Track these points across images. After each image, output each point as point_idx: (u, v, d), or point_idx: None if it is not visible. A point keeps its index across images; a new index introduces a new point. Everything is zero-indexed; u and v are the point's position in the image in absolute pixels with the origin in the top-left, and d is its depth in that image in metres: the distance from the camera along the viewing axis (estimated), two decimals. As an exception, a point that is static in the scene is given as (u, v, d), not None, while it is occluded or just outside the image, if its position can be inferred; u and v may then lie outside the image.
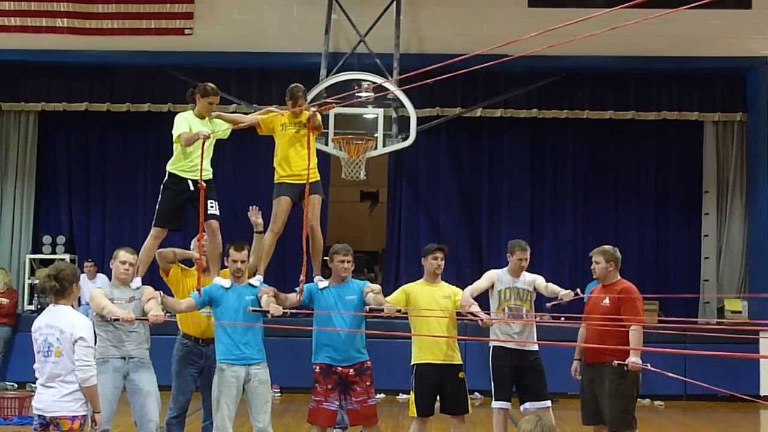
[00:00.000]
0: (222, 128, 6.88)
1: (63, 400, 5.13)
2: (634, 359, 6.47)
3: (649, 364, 6.48)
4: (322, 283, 6.71)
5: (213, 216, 6.72)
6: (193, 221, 6.68)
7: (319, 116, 6.81)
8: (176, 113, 6.91)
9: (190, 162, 6.63)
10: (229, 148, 11.39)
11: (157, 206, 6.81)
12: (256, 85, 13.20)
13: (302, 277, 6.67)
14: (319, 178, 6.88)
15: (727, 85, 13.11)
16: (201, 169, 6.48)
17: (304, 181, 6.65)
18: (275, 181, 6.86)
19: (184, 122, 6.67)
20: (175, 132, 6.65)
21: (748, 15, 12.51)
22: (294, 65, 12.42)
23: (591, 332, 6.89)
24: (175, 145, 6.72)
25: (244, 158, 12.95)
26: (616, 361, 6.48)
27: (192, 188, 6.63)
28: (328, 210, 12.43)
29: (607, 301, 6.76)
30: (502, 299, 7.32)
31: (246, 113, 7.37)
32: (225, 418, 6.31)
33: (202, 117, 6.80)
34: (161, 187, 6.83)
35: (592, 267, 6.96)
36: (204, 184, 6.47)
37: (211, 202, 6.72)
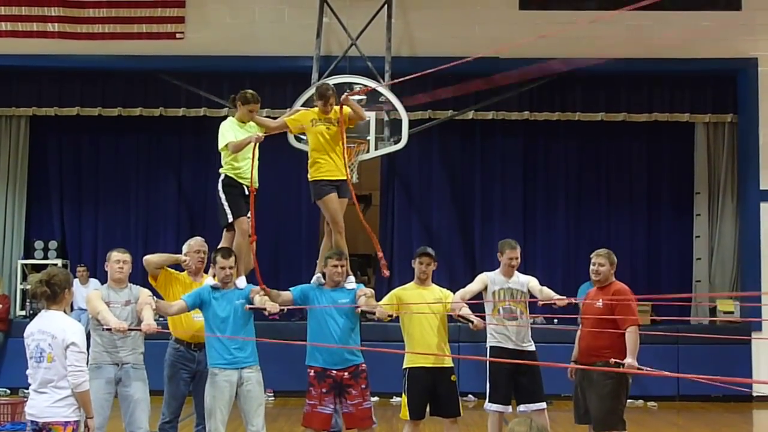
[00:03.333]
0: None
1: (55, 405, 5.11)
2: (630, 360, 6.47)
3: (644, 368, 6.49)
4: (320, 281, 6.74)
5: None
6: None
7: (347, 108, 6.88)
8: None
9: (241, 168, 6.79)
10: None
11: (227, 205, 6.83)
12: (247, 88, 13.10)
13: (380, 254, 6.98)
14: (349, 179, 6.99)
15: (717, 87, 13.14)
16: (252, 168, 6.62)
17: (339, 177, 6.84)
18: (310, 179, 6.91)
19: (230, 131, 6.84)
20: (222, 141, 6.81)
21: (739, 16, 12.57)
22: (286, 69, 12.43)
23: (584, 334, 6.91)
24: (223, 152, 6.86)
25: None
26: (613, 359, 6.48)
27: (246, 193, 6.79)
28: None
29: (600, 303, 6.78)
30: (496, 300, 7.30)
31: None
32: (218, 423, 6.31)
33: (243, 122, 6.97)
34: (221, 187, 6.85)
35: (593, 269, 6.91)
36: (256, 187, 6.68)
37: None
